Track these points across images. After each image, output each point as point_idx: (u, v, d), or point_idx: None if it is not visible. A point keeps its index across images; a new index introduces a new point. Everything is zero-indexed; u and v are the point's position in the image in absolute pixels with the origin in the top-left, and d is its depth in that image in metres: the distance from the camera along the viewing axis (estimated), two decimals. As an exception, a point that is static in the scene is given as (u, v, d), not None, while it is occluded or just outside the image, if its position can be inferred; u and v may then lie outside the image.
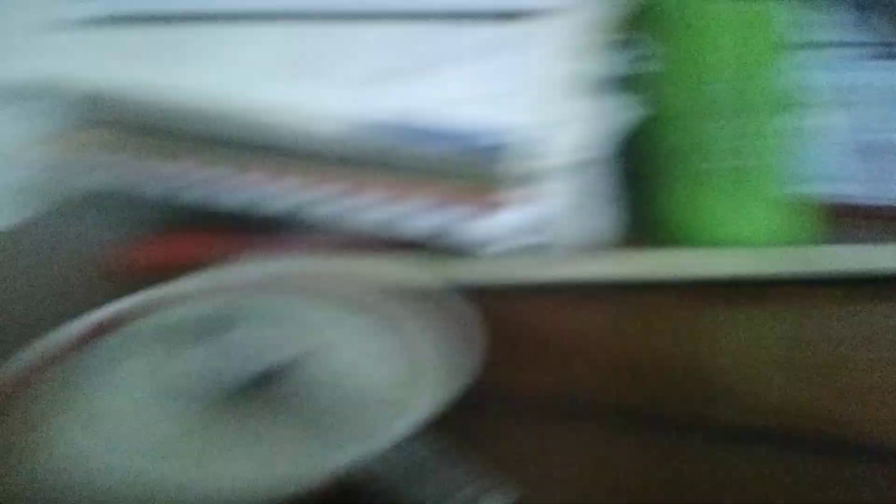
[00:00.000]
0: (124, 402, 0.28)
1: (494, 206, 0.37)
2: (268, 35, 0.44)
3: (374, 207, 0.39)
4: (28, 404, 0.26)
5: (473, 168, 0.37)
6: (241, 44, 0.44)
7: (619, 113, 0.45)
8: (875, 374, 0.30)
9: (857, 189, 0.45)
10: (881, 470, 0.24)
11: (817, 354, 0.31)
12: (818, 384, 0.29)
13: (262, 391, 0.28)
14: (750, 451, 0.25)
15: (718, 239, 0.41)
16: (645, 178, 0.43)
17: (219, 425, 0.27)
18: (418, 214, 0.38)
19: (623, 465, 0.25)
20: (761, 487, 0.24)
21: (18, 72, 0.46)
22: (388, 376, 0.28)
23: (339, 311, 0.32)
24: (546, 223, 0.38)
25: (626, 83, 0.49)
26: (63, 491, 0.22)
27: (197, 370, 0.29)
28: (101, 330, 0.30)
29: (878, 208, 0.44)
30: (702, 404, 0.28)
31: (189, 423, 0.27)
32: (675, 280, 0.37)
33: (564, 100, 0.38)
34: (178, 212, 0.50)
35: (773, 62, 0.38)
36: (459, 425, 0.27)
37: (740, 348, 0.32)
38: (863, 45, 0.49)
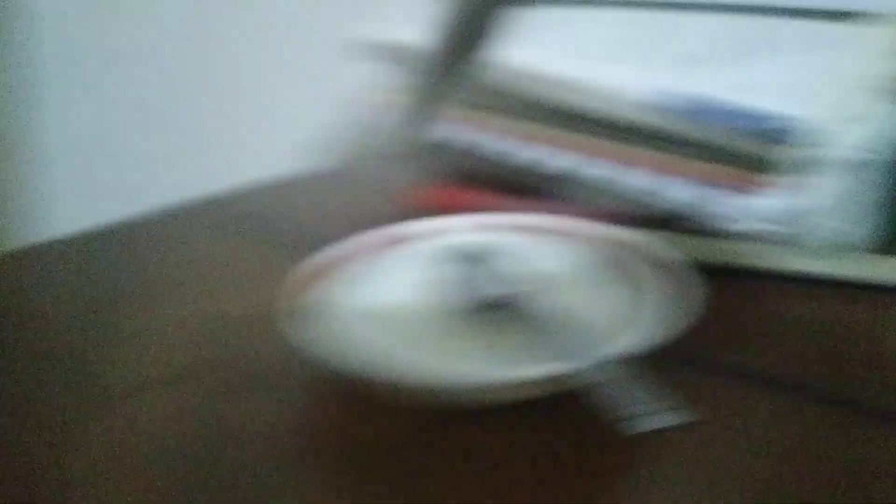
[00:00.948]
0: (396, 300, 0.35)
1: (757, 189, 0.38)
2: (604, 18, 0.48)
3: (642, 177, 0.41)
4: (322, 288, 0.33)
5: (749, 149, 0.37)
6: (577, 25, 0.48)
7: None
8: None
9: None
10: None
11: None
12: None
13: (500, 311, 0.33)
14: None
15: None
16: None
17: (463, 331, 0.32)
18: (683, 188, 0.39)
19: (807, 441, 0.26)
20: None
21: (381, 33, 0.56)
22: (608, 314, 0.32)
23: (578, 259, 0.36)
24: (802, 214, 0.37)
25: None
26: (333, 356, 0.28)
27: (453, 286, 0.34)
28: (388, 243, 0.37)
29: None
30: None
31: (441, 326, 0.33)
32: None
33: (862, 100, 0.37)
34: (468, 166, 0.57)
35: None
36: (667, 370, 0.30)
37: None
38: None
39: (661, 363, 0.30)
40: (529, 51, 0.47)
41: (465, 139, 0.49)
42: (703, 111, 0.38)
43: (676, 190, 0.39)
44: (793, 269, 0.37)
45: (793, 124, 0.37)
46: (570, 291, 0.35)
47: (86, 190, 0.59)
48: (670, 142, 0.41)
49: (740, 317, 0.35)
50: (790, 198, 0.37)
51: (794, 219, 0.37)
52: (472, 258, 0.36)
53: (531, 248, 0.37)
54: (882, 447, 0.26)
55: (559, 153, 0.45)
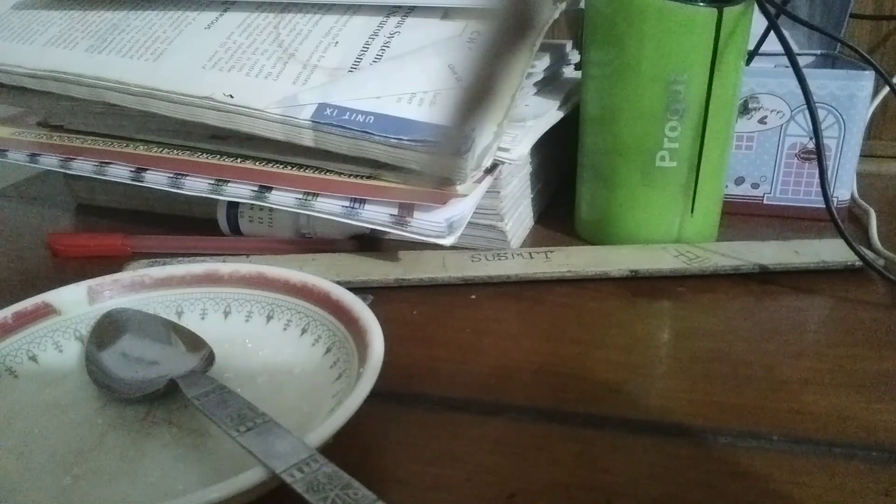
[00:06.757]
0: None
1: (437, 200, 0.37)
2: (212, 23, 0.43)
3: (321, 199, 0.38)
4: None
5: (420, 160, 0.36)
6: (182, 31, 0.43)
7: (558, 114, 0.44)
8: (754, 366, 0.31)
9: (784, 190, 0.46)
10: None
11: (708, 346, 0.32)
12: (702, 376, 0.30)
13: (166, 400, 0.27)
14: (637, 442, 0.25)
15: (648, 236, 0.41)
16: (584, 177, 0.43)
17: (114, 442, 0.26)
18: (366, 207, 0.38)
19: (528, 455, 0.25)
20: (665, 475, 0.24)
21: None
22: (306, 374, 0.28)
23: (258, 312, 0.32)
24: (467, 220, 0.37)
25: (565, 85, 0.48)
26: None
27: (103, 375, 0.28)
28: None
29: (801, 209, 0.46)
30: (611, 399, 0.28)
31: (82, 438, 0.26)
32: (593, 276, 0.38)
33: (506, 99, 0.38)
34: (106, 201, 0.50)
35: (720, 67, 0.37)
36: (381, 416, 0.27)
37: (652, 343, 0.32)
38: (800, 55, 0.49)
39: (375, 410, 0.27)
40: (126, 62, 0.42)
41: (85, 167, 0.43)
42: (358, 123, 0.36)
43: (370, 211, 0.37)
44: (486, 276, 0.37)
45: (441, 132, 0.36)
46: (252, 351, 0.30)
47: None
48: (347, 161, 0.38)
49: (441, 333, 0.34)
50: (465, 206, 0.37)
51: (461, 226, 0.37)
52: (103, 335, 0.30)
53: (195, 303, 0.32)
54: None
55: (205, 182, 0.40)
